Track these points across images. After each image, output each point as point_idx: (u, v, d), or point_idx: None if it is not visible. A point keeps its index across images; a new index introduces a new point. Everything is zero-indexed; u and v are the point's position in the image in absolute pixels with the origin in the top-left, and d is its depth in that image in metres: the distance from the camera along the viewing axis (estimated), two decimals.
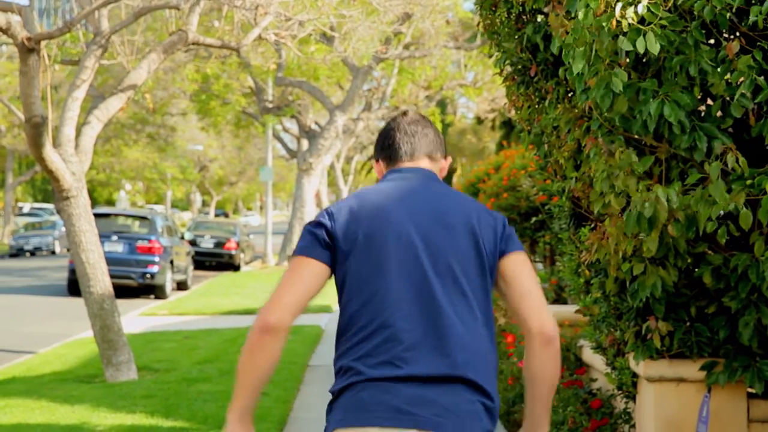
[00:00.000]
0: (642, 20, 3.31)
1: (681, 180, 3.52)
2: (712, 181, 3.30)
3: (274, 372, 2.60)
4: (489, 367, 2.61)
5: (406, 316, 2.56)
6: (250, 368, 2.57)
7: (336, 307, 19.14)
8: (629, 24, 3.28)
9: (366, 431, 2.51)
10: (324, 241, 2.64)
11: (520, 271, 2.69)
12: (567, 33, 3.52)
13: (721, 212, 3.38)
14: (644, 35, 3.26)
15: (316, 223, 2.68)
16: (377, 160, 2.91)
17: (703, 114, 3.57)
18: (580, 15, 3.36)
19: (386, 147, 2.87)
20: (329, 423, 2.61)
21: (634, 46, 3.27)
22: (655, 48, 3.25)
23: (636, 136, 3.61)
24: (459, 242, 2.64)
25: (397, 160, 2.85)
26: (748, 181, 3.34)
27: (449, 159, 2.94)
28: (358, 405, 2.53)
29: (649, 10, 3.29)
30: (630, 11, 3.28)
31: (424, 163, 2.84)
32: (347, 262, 2.63)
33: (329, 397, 2.66)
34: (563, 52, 3.64)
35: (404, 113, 2.93)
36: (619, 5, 3.29)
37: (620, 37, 3.29)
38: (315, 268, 2.63)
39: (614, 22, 3.26)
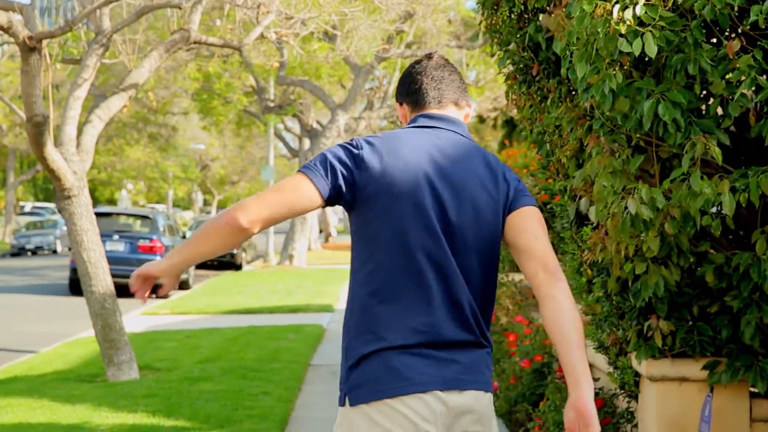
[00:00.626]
0: (640, 22, 3.31)
1: None
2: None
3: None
4: (489, 320, 2.70)
5: (419, 283, 2.57)
6: (203, 244, 2.57)
7: (336, 305, 18.82)
8: (627, 26, 3.27)
9: (407, 399, 2.51)
10: (337, 183, 2.58)
11: (527, 220, 2.67)
12: (566, 33, 3.52)
13: (715, 208, 3.37)
14: (642, 36, 3.25)
15: (344, 163, 2.60)
16: (401, 104, 2.84)
17: (703, 112, 3.56)
18: (577, 16, 3.35)
19: (412, 92, 2.80)
20: (358, 394, 2.55)
21: (632, 47, 3.26)
22: (652, 50, 3.24)
23: (636, 135, 3.61)
24: (479, 216, 2.63)
25: (424, 106, 2.78)
26: (751, 179, 3.34)
27: (472, 105, 2.87)
28: (391, 374, 2.53)
29: (646, 12, 3.28)
30: (628, 13, 3.26)
31: (450, 111, 2.79)
32: (368, 216, 2.60)
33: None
34: (563, 54, 3.64)
35: (429, 56, 2.84)
36: (617, 7, 3.28)
37: (619, 38, 3.28)
38: (313, 196, 2.58)
39: (612, 26, 3.25)
